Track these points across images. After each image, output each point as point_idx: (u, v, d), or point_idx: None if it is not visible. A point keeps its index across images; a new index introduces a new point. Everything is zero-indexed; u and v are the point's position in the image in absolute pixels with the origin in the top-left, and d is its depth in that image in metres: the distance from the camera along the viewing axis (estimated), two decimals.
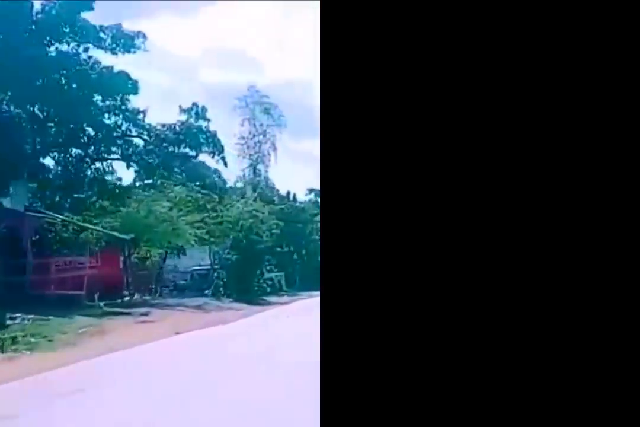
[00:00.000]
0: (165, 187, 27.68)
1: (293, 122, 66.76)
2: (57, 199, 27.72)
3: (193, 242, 28.46)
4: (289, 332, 15.09)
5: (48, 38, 25.84)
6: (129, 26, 27.68)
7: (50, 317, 17.00)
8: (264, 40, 79.84)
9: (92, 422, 6.61)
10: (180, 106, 29.35)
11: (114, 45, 26.90)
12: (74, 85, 25.83)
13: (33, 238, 23.93)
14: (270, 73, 77.18)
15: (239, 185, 48.70)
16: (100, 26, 26.87)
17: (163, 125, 28.55)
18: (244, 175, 49.81)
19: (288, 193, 49.14)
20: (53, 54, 26.34)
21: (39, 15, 25.67)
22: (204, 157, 30.99)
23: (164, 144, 27.96)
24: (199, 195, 29.45)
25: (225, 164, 30.43)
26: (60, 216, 23.81)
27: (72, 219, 26.16)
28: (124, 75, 26.91)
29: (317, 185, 46.91)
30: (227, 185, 46.89)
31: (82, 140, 27.19)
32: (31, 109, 26.15)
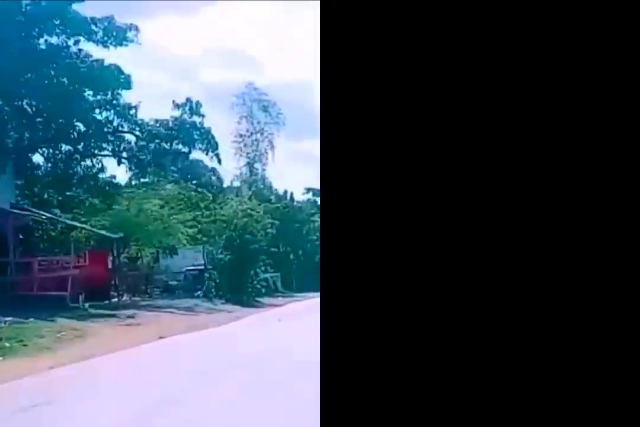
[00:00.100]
0: (156, 184, 26.94)
1: (293, 122, 67.03)
2: (46, 196, 26.92)
3: (185, 242, 27.74)
4: (278, 338, 14.53)
5: (37, 30, 25.01)
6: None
7: (31, 319, 16.38)
8: (264, 40, 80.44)
9: None
10: (173, 101, 28.48)
11: (105, 38, 26.05)
12: (64, 79, 25.00)
13: (20, 237, 23.24)
14: (270, 73, 77.81)
15: (236, 184, 48.08)
16: (92, 18, 26.03)
17: (156, 121, 27.66)
18: (240, 173, 49.08)
19: (285, 192, 48.37)
20: (43, 46, 25.52)
21: (28, 7, 24.85)
22: (201, 156, 30.25)
23: (157, 140, 27.06)
24: (192, 193, 28.75)
25: (220, 162, 29.61)
26: (47, 214, 23.05)
27: (61, 217, 25.47)
28: (116, 69, 26.06)
29: (315, 184, 46.57)
30: (225, 185, 46.40)
31: (72, 136, 26.34)
32: (19, 103, 25.37)
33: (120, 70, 26.48)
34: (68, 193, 27.18)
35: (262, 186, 48.43)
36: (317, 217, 44.49)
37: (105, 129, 26.91)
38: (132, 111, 27.10)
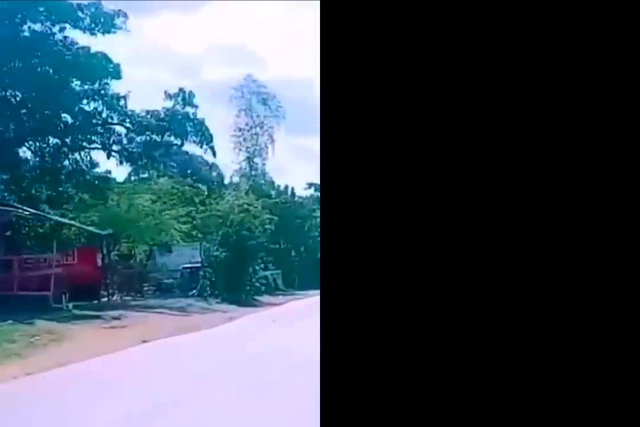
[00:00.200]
0: (148, 179, 25.71)
1: (295, 118, 66.14)
2: (33, 191, 25.68)
3: (178, 238, 26.51)
4: (270, 342, 13.35)
5: (20, 17, 23.77)
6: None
7: (9, 321, 15.31)
8: (266, 37, 78.60)
9: None
10: (165, 91, 27.17)
11: (92, 25, 24.81)
12: (48, 68, 23.77)
13: (7, 234, 22.10)
14: (272, 69, 77.80)
15: (235, 179, 46.91)
16: (78, 4, 24.80)
17: (147, 112, 26.36)
18: (240, 168, 47.81)
19: (286, 187, 47.08)
20: (26, 34, 24.27)
21: None
22: (200, 151, 28.98)
23: (147, 132, 25.76)
24: (186, 188, 27.50)
25: (214, 154, 28.29)
26: (32, 210, 21.82)
27: (49, 213, 24.30)
28: (103, 58, 24.82)
29: (317, 180, 45.43)
30: (225, 181, 45.30)
31: (59, 128, 25.10)
32: (2, 93, 24.16)
33: (108, 59, 25.28)
34: (56, 188, 25.92)
35: (262, 181, 47.22)
36: (318, 213, 43.52)
37: (94, 121, 25.67)
38: (122, 102, 25.84)
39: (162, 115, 26.25)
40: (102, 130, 26.13)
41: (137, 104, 26.45)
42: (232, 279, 26.94)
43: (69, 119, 25.32)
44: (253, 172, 47.75)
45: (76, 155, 26.03)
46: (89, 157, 26.10)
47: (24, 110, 24.45)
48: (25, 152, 25.94)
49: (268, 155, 48.79)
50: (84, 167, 26.22)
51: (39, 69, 23.75)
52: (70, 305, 19.32)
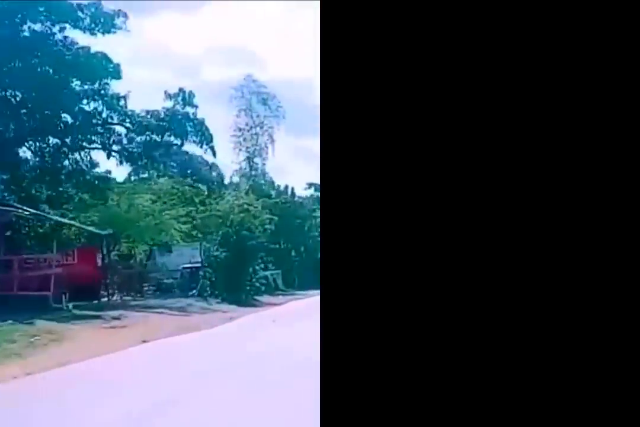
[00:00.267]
0: (149, 179, 25.68)
1: (295, 118, 66.11)
2: (33, 191, 25.65)
3: (178, 238, 26.47)
4: (270, 343, 13.27)
5: (20, 17, 23.75)
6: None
7: (9, 321, 15.28)
8: (266, 37, 78.48)
9: None
10: (165, 91, 27.13)
11: (92, 25, 24.77)
12: (48, 68, 23.75)
13: (7, 234, 22.08)
14: (272, 70, 78.19)
15: (235, 179, 46.86)
16: (78, 4, 24.77)
17: (147, 112, 26.33)
18: (240, 168, 47.74)
19: (286, 187, 47.02)
20: (26, 34, 24.25)
21: None
22: (200, 151, 28.90)
23: (147, 132, 25.72)
24: (187, 187, 27.44)
25: (214, 154, 28.22)
26: (31, 210, 21.80)
27: (50, 213, 24.29)
28: (103, 57, 24.80)
29: (317, 180, 45.34)
30: (226, 181, 45.20)
31: (60, 128, 25.06)
32: (2, 93, 24.13)
33: (108, 59, 25.26)
34: (57, 188, 25.89)
35: (262, 181, 47.15)
36: (318, 213, 43.45)
37: (94, 121, 25.63)
38: (122, 102, 25.80)
39: (162, 115, 26.21)
40: (102, 130, 26.10)
41: (137, 104, 26.55)
42: (232, 279, 26.90)
43: (69, 119, 25.29)
44: (253, 172, 47.67)
45: (76, 155, 26.00)
46: (89, 157, 26.11)
47: (24, 110, 24.43)
48: (25, 152, 25.97)
49: (268, 155, 48.78)
50: (84, 167, 26.20)
51: (39, 69, 23.73)
52: (70, 305, 19.31)
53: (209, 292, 26.55)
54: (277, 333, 15.57)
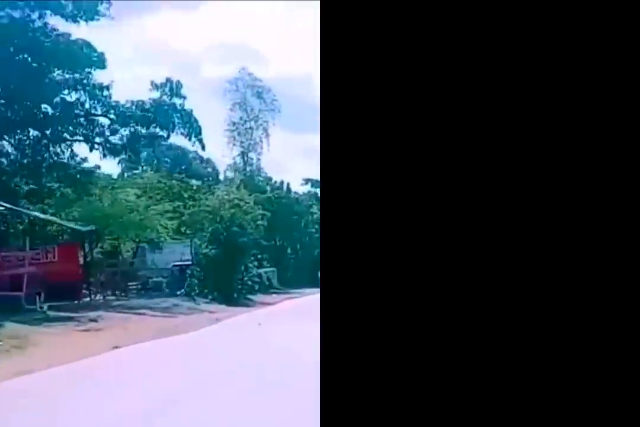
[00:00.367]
0: (134, 173, 24.51)
1: (294, 115, 65.73)
2: (12, 185, 24.46)
3: (164, 235, 25.30)
4: (255, 347, 12.21)
5: None
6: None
7: None
8: (266, 35, 79.37)
9: None
10: (152, 82, 25.89)
11: (75, 12, 23.55)
12: (27, 56, 22.55)
13: None
14: (274, 67, 77.50)
15: (229, 174, 45.71)
16: None
17: (132, 103, 25.10)
18: (234, 164, 46.46)
19: (282, 183, 45.83)
20: (5, 21, 23.05)
21: None
22: (194, 146, 27.74)
23: (132, 124, 24.49)
24: (174, 182, 26.23)
25: (203, 147, 26.99)
26: (8, 205, 20.65)
27: (29, 208, 23.17)
28: (85, 45, 23.58)
29: (314, 176, 44.36)
30: (220, 176, 44.16)
31: (40, 120, 23.85)
32: None
33: (91, 47, 24.04)
34: (37, 182, 24.71)
35: (259, 177, 46.04)
36: (315, 209, 42.60)
37: (77, 112, 24.43)
38: (106, 92, 24.59)
39: (148, 105, 24.97)
40: (84, 122, 24.89)
41: (124, 95, 24.99)
42: (223, 278, 25.78)
43: (50, 110, 24.11)
44: (248, 168, 46.46)
45: (57, 147, 24.76)
46: (70, 150, 24.85)
47: (2, 101, 23.26)
48: (3, 146, 24.70)
49: (263, 150, 47.51)
50: (65, 160, 24.98)
51: (17, 58, 22.53)
52: (45, 306, 18.17)
53: (197, 291, 25.37)
54: (264, 335, 14.65)
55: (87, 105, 24.57)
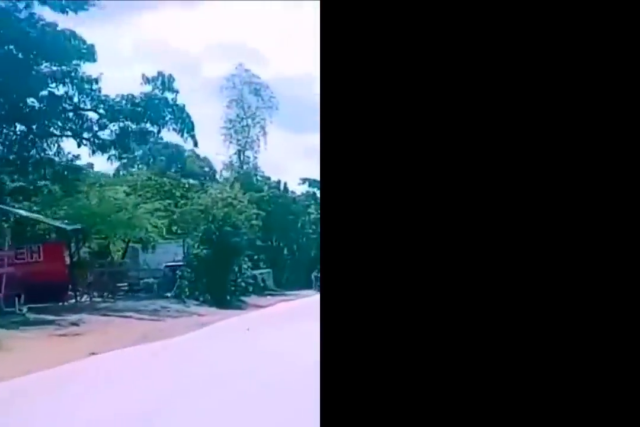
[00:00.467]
0: (124, 170, 23.63)
1: (294, 115, 65.11)
2: None
3: (154, 235, 24.42)
4: (240, 357, 11.26)
5: None
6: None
7: None
8: (267, 34, 78.11)
9: None
10: (143, 75, 24.96)
11: (62, 1, 22.67)
12: (12, 47, 21.66)
13: None
14: (273, 67, 75.99)
15: (226, 173, 44.85)
16: None
17: (122, 97, 24.18)
18: (231, 162, 45.55)
19: (278, 182, 44.92)
20: None
21: None
22: (186, 143, 26.88)
23: (121, 118, 23.59)
24: (165, 179, 25.32)
25: (196, 144, 26.10)
26: None
27: (14, 206, 22.33)
28: (73, 36, 22.69)
29: (311, 175, 43.57)
30: (217, 175, 43.36)
31: (26, 114, 22.97)
32: None
33: (80, 39, 23.15)
34: (23, 179, 23.84)
35: (257, 176, 45.16)
36: (313, 209, 41.80)
37: (65, 106, 23.54)
38: (95, 86, 23.69)
39: (139, 100, 24.05)
40: (74, 117, 23.99)
41: (116, 91, 24.08)
42: (214, 279, 24.89)
43: (37, 104, 23.23)
44: (245, 166, 45.54)
45: (44, 143, 23.85)
46: (56, 146, 23.94)
47: None
48: None
49: (260, 148, 46.57)
50: (52, 156, 24.09)
51: (1, 49, 21.65)
52: (25, 308, 17.30)
53: (188, 293, 24.46)
54: (253, 340, 13.79)
55: (75, 99, 23.70)
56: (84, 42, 23.56)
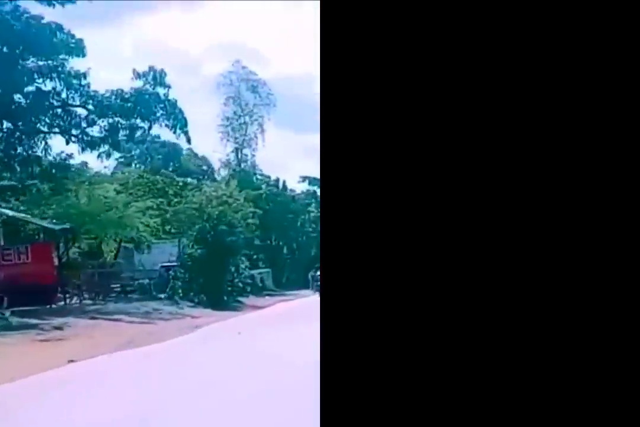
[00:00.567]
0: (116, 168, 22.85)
1: (294, 114, 64.35)
2: None
3: (146, 234, 23.66)
4: (232, 362, 10.56)
5: None
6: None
7: None
8: (267, 34, 78.48)
9: None
10: (134, 70, 24.12)
11: None
12: None
13: None
14: (274, 67, 75.98)
15: (223, 172, 44.11)
16: None
17: (112, 92, 23.38)
18: (228, 160, 44.77)
19: (277, 180, 44.16)
20: None
21: None
22: (186, 143, 26.07)
23: (110, 114, 22.80)
24: (157, 177, 24.52)
25: (189, 141, 25.29)
26: None
27: (1, 206, 21.60)
28: (59, 29, 21.90)
29: (311, 174, 42.86)
30: (216, 174, 42.71)
31: (13, 110, 22.20)
32: None
33: (68, 33, 22.35)
34: (10, 177, 23.07)
35: (257, 175, 44.45)
36: (312, 208, 41.12)
37: (52, 102, 22.76)
38: (84, 81, 22.88)
39: (128, 95, 23.24)
40: (62, 113, 23.20)
41: (103, 84, 23.38)
42: (209, 279, 24.16)
43: (23, 100, 22.45)
44: (243, 165, 44.79)
45: (32, 140, 23.06)
46: (44, 143, 23.13)
47: None
48: None
49: (258, 146, 45.81)
50: (40, 154, 23.31)
51: None
52: (8, 312, 16.54)
53: (182, 294, 23.68)
54: (247, 343, 13.12)
55: (63, 95, 22.90)
56: (73, 36, 22.77)
